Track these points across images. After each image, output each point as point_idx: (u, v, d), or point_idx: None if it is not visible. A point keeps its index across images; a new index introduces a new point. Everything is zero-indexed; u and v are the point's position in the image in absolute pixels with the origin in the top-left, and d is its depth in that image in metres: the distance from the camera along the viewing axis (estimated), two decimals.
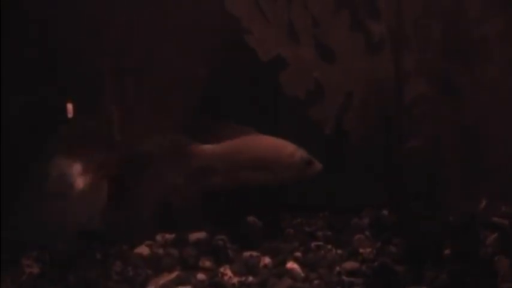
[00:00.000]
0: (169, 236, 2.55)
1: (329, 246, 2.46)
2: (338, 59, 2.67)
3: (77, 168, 2.45)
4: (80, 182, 2.45)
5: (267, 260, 2.37)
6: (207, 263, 2.38)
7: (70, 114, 2.54)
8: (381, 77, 2.62)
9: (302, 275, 2.30)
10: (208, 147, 2.40)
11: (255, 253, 2.41)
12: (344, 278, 2.28)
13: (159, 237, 2.55)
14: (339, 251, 2.45)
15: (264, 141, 2.43)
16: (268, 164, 2.40)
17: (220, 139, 2.41)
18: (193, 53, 2.64)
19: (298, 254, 2.43)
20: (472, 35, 2.53)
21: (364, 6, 2.66)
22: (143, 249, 2.47)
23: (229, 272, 2.28)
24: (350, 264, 2.36)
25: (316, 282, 2.25)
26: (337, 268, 2.33)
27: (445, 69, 2.55)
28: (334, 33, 2.66)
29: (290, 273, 2.30)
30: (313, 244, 2.49)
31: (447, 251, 2.39)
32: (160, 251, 2.48)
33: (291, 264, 2.33)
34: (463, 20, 2.54)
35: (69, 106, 2.55)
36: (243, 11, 2.63)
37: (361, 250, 2.43)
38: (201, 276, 2.28)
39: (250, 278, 2.26)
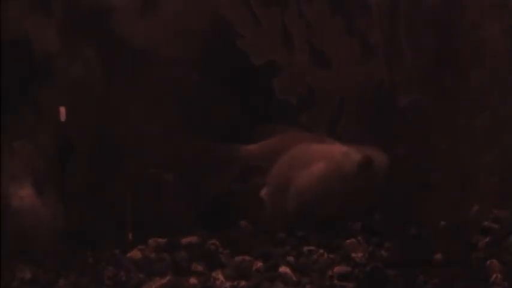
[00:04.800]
0: (161, 240, 2.55)
1: (321, 251, 2.46)
2: (332, 64, 2.67)
3: None
4: None
5: (259, 264, 2.37)
6: (199, 268, 2.38)
7: None
8: (375, 83, 2.62)
9: (294, 279, 2.30)
10: (252, 147, 2.39)
11: (247, 257, 2.42)
12: (336, 282, 2.28)
13: (151, 241, 2.55)
14: (331, 255, 2.45)
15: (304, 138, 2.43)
16: None
17: (260, 139, 2.41)
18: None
19: (290, 258, 2.43)
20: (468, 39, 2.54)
21: (359, 12, 2.67)
22: (135, 254, 2.47)
23: (221, 277, 2.28)
24: (342, 269, 2.37)
25: (308, 286, 2.25)
26: (329, 272, 2.34)
27: (439, 75, 2.56)
28: (328, 39, 2.66)
29: (282, 277, 2.30)
30: (305, 248, 2.49)
31: (438, 255, 2.40)
32: (153, 255, 2.48)
33: (283, 269, 2.33)
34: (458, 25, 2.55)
35: None
36: (236, 15, 2.64)
37: (353, 254, 2.43)
38: (193, 280, 2.28)
39: (243, 283, 2.26)
